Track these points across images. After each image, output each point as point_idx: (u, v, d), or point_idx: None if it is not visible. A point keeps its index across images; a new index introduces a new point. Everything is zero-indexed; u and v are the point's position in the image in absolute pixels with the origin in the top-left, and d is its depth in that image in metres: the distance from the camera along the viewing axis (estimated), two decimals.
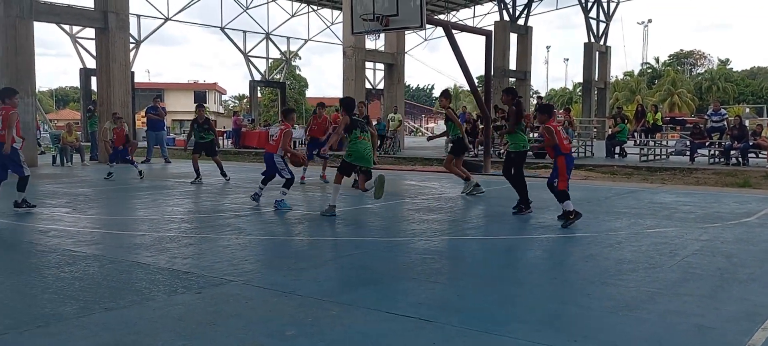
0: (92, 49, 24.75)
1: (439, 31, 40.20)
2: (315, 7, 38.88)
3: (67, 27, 26.91)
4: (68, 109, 70.83)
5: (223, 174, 13.11)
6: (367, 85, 28.65)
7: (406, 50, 29.90)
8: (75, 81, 66.62)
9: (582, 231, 7.37)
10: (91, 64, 25.82)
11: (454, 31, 15.13)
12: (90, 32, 24.13)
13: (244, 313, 4.13)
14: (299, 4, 38.18)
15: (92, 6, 19.83)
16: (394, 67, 27.27)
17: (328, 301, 4.42)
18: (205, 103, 69.25)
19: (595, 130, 26.19)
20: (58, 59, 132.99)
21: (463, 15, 41.89)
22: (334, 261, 5.86)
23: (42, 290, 4.59)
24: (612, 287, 4.86)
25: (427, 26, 14.10)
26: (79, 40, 28.05)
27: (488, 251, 6.58)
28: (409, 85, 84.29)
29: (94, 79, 24.85)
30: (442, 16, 37.37)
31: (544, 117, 8.20)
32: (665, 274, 5.23)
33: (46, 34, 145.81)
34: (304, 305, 4.33)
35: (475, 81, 16.08)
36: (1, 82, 17.10)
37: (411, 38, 37.87)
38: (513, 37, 32.16)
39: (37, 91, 22.06)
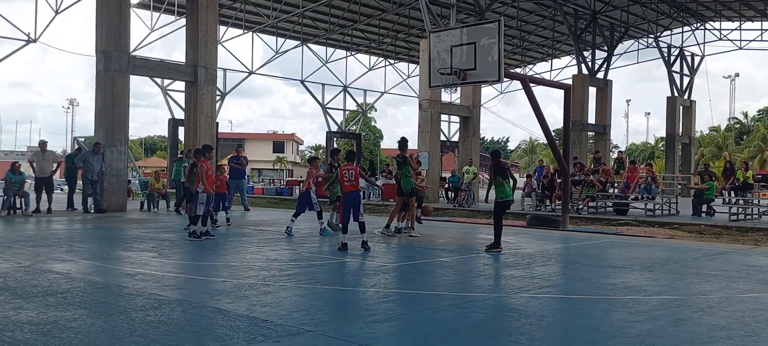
0: (181, 100, 26.09)
1: (516, 83, 40.10)
2: (392, 61, 39.65)
3: (158, 80, 28.50)
4: (156, 157, 74.39)
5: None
6: (442, 138, 28.73)
7: (481, 103, 29.90)
8: (163, 130, 70.21)
9: (670, 293, 7.03)
10: (179, 114, 27.15)
11: (531, 85, 15.04)
12: (179, 85, 25.48)
13: None
14: (377, 58, 39.05)
15: (183, 61, 20.96)
16: (470, 119, 27.28)
17: None
18: (283, 152, 71.29)
19: (679, 186, 25.16)
20: (148, 110, 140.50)
21: (540, 68, 41.71)
22: (408, 315, 5.81)
23: (129, 333, 4.76)
24: None
25: (505, 80, 14.06)
26: (169, 92, 29.59)
27: (569, 311, 6.35)
28: (483, 138, 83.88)
29: (181, 129, 26.11)
30: (518, 70, 37.31)
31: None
32: (763, 343, 4.90)
33: (137, 86, 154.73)
34: None
35: (553, 134, 15.84)
36: (98, 132, 18.25)
37: (487, 91, 37.91)
38: (592, 91, 31.63)
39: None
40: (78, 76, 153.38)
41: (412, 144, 22.29)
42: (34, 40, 23.40)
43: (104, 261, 8.64)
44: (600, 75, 32.10)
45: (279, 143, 74.55)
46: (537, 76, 35.01)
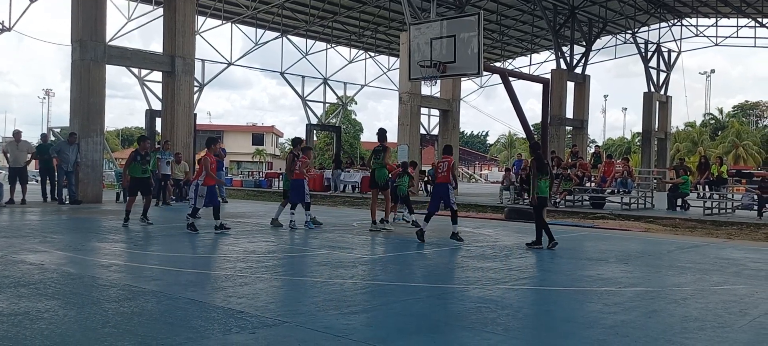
0: (158, 91, 25.79)
1: (495, 78, 40.31)
2: (372, 54, 39.58)
3: (135, 70, 28.13)
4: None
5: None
6: (422, 131, 28.76)
7: (461, 97, 29.98)
8: (140, 121, 69.25)
9: (644, 285, 7.10)
10: (156, 105, 26.84)
11: (510, 79, 15.09)
12: (157, 75, 25.18)
13: None
14: (357, 50, 38.96)
15: (160, 51, 20.70)
16: (449, 113, 27.33)
17: None
18: (263, 145, 70.87)
19: (655, 181, 25.47)
20: (126, 100, 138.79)
21: (519, 63, 41.91)
22: (386, 306, 5.80)
23: (102, 324, 4.70)
24: (677, 345, 4.64)
25: (484, 73, 14.10)
26: (146, 82, 29.23)
27: (546, 302, 6.40)
28: (463, 132, 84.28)
29: (158, 120, 25.82)
30: (498, 64, 37.47)
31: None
32: (735, 334, 4.97)
33: (114, 77, 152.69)
34: None
35: (531, 129, 15.92)
36: (73, 122, 17.97)
37: (466, 85, 38.03)
38: (570, 86, 31.88)
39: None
40: (54, 66, 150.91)
41: (392, 137, 22.38)
42: (9, 29, 22.99)
43: (78, 252, 8.51)
44: (578, 70, 32.37)
45: (258, 136, 74.07)
46: (516, 70, 35.19)
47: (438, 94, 28.66)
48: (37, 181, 24.76)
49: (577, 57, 32.41)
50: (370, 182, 12.76)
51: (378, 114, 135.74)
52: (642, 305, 6.06)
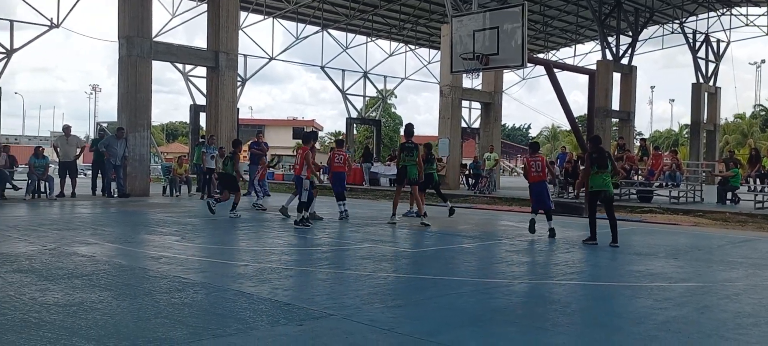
0: (202, 86, 26.22)
1: (538, 69, 39.79)
2: (412, 47, 39.47)
3: (180, 66, 28.65)
4: (177, 143, 74.98)
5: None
6: (463, 124, 28.58)
7: (503, 89, 29.66)
8: (184, 116, 70.59)
9: (695, 280, 6.93)
10: (200, 100, 27.30)
11: (555, 70, 14.87)
12: (201, 70, 25.60)
13: None
14: (397, 43, 38.91)
15: (204, 46, 21.03)
16: (491, 106, 27.08)
17: (427, 340, 4.36)
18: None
19: (704, 174, 24.79)
20: (170, 96, 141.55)
21: (563, 54, 41.25)
22: (431, 300, 5.79)
23: (155, 315, 4.80)
24: (731, 341, 4.52)
25: (528, 65, 13.92)
26: (190, 78, 29.75)
27: (594, 297, 6.29)
28: (505, 125, 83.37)
29: (202, 115, 26.26)
30: (541, 55, 36.95)
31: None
32: None
33: (159, 73, 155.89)
34: (404, 343, 4.30)
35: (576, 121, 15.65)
36: (121, 117, 18.40)
37: (508, 77, 37.56)
38: (616, 77, 31.20)
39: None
40: (101, 62, 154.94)
41: (433, 130, 22.32)
42: (57, 26, 23.61)
43: (128, 244, 8.72)
44: (624, 61, 31.64)
45: (299, 129, 74.65)
46: (560, 61, 34.60)
47: (479, 87, 28.44)
48: (85, 174, 25.54)
49: (624, 47, 31.67)
50: (398, 178, 12.70)
51: (418, 107, 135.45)
52: (693, 301, 5.90)
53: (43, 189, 16.62)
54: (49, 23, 23.45)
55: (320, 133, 79.65)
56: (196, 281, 6.21)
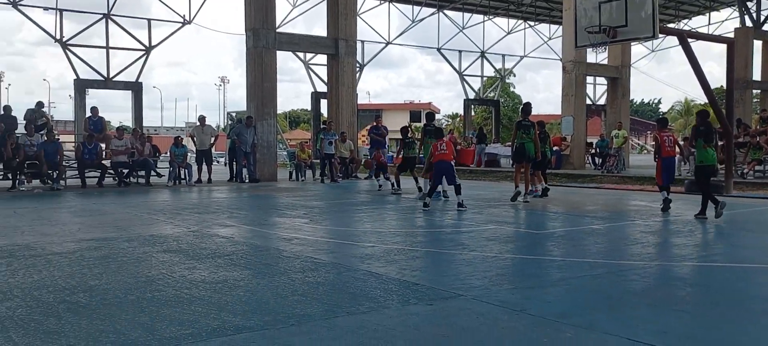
0: (322, 73, 26.97)
1: (669, 40, 37.35)
2: (531, 23, 38.35)
3: (301, 54, 29.60)
4: (300, 130, 77.75)
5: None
6: (588, 101, 27.47)
7: (631, 63, 28.17)
8: (305, 103, 73.16)
9: None
10: (321, 87, 28.10)
11: (689, 40, 13.89)
12: (320, 58, 26.33)
13: (477, 328, 4.12)
14: (515, 20, 37.96)
15: (324, 34, 21.59)
16: (618, 80, 25.83)
17: (561, 322, 4.24)
18: (420, 122, 71.72)
19: None
20: (291, 84, 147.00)
21: (696, 23, 38.48)
22: (563, 282, 5.63)
23: (291, 292, 5.02)
24: None
25: (659, 36, 13.11)
26: (311, 66, 30.67)
27: (737, 279, 5.85)
28: (633, 100, 79.21)
29: (323, 102, 27.02)
30: (672, 25, 34.66)
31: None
32: None
33: (280, 62, 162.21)
34: (537, 324, 4.21)
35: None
36: (250, 106, 19.34)
37: (636, 49, 35.55)
38: (757, 45, 28.67)
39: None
40: (228, 55, 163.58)
41: (554, 109, 21.58)
42: (189, 22, 25.11)
43: (262, 226, 9.18)
44: (766, 27, 29.00)
45: (416, 113, 75.01)
46: (694, 30, 32.29)
47: (605, 61, 27.21)
48: (217, 162, 27.11)
49: (765, 13, 29.03)
50: (517, 156, 12.56)
51: (538, 85, 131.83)
52: None
53: (182, 176, 17.84)
54: (181, 20, 25.00)
55: (437, 116, 79.67)
56: (326, 261, 6.43)
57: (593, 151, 25.07)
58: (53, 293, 4.94)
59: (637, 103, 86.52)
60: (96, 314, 4.33)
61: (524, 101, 12.70)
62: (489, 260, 6.53)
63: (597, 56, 28.14)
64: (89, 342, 3.73)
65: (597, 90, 31.13)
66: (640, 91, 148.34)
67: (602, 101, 30.03)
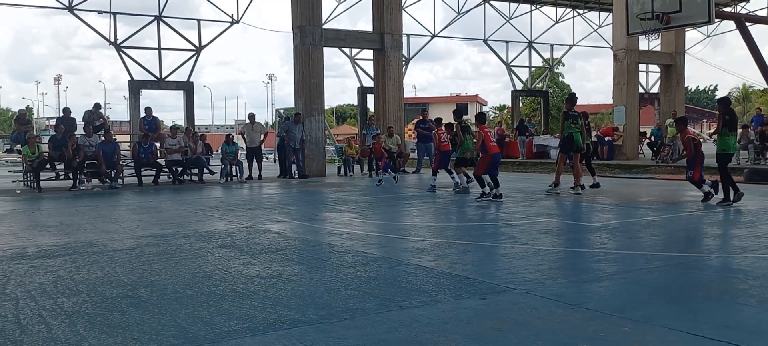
0: (368, 68, 27.03)
1: (725, 25, 36.00)
2: (580, 11, 37.56)
3: (346, 50, 29.73)
4: (346, 125, 78.23)
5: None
6: (640, 90, 26.78)
7: (685, 49, 27.33)
8: (351, 99, 73.53)
9: None
10: (366, 82, 28.18)
11: (747, 24, 13.40)
12: (366, 53, 26.39)
13: (532, 322, 4.08)
14: (564, 9, 37.24)
15: (370, 29, 21.64)
16: (672, 68, 25.10)
17: (618, 316, 4.17)
18: (466, 114, 71.28)
19: None
20: (337, 79, 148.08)
21: (754, 5, 37.02)
22: (619, 275, 5.53)
23: (344, 286, 5.07)
24: None
25: (715, 20, 12.70)
26: (356, 61, 30.78)
27: None
28: (687, 87, 76.87)
29: (369, 97, 27.10)
30: (729, 9, 33.47)
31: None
32: None
33: (326, 58, 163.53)
34: (593, 318, 4.15)
35: None
36: (297, 103, 19.55)
37: (691, 35, 34.41)
38: None
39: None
40: (274, 52, 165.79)
41: (605, 98, 21.11)
42: (237, 21, 25.49)
43: (313, 222, 9.30)
44: None
45: (462, 105, 74.49)
46: (752, 13, 31.10)
47: (658, 48, 26.48)
48: (267, 158, 27.49)
49: None
50: (566, 146, 12.40)
51: (588, 74, 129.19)
52: None
53: (234, 173, 18.18)
54: (230, 20, 25.41)
55: (484, 108, 78.98)
56: (377, 255, 6.46)
57: (648, 140, 24.45)
58: (116, 288, 5.11)
59: (692, 90, 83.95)
60: (157, 309, 4.47)
61: (572, 91, 12.53)
62: (541, 254, 6.46)
63: (649, 43, 27.34)
64: (152, 336, 3.85)
65: (650, 78, 30.30)
66: (695, 78, 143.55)
67: (655, 89, 29.23)
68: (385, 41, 20.86)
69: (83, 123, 17.16)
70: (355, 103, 33.72)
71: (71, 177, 15.80)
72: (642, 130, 25.57)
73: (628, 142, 23.21)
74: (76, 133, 16.77)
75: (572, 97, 13.10)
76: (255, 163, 18.78)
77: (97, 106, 18.77)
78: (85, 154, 15.76)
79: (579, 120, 12.34)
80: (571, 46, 39.38)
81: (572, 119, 12.27)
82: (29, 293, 4.95)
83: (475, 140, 12.52)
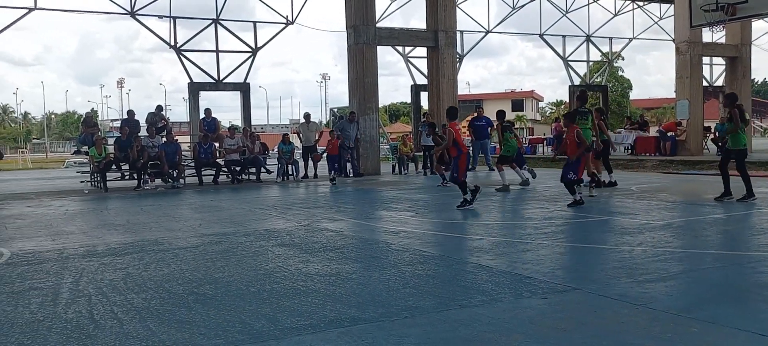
0: (421, 66, 26.99)
1: None
2: (640, 3, 36.54)
3: (400, 48, 29.73)
4: (400, 123, 78.31)
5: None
6: (704, 83, 25.86)
7: (752, 40, 26.25)
8: (404, 96, 73.50)
9: None
10: (420, 80, 28.14)
11: None
12: (419, 51, 26.36)
13: (595, 322, 4.02)
14: (623, 1, 36.30)
15: (423, 27, 21.59)
16: (738, 60, 24.15)
17: (685, 317, 4.06)
18: (522, 110, 70.32)
19: None
20: (390, 77, 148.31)
21: None
22: (684, 274, 5.37)
23: (402, 285, 5.10)
24: None
25: None
26: (410, 59, 30.76)
27: None
28: (755, 80, 73.85)
29: (423, 94, 27.06)
30: None
31: None
32: None
33: (379, 56, 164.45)
34: (658, 319, 4.04)
35: None
36: (352, 102, 19.69)
37: (757, 26, 33.02)
38: None
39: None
40: (327, 52, 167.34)
41: (666, 92, 20.45)
42: (292, 22, 25.84)
43: (369, 220, 9.36)
44: None
45: (518, 101, 73.55)
46: None
47: (722, 40, 25.53)
48: (322, 157, 27.74)
49: None
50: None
51: (648, 68, 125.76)
52: None
53: (290, 172, 18.46)
54: (284, 21, 25.78)
55: (541, 104, 77.78)
56: (435, 254, 6.46)
57: (713, 135, 23.59)
58: (182, 285, 5.28)
59: (759, 83, 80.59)
60: (222, 305, 4.59)
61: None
62: (604, 253, 6.34)
63: (713, 35, 26.38)
64: (218, 332, 3.96)
65: (714, 71, 29.25)
66: (762, 70, 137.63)
67: (720, 82, 28.20)
68: (439, 38, 20.79)
69: (146, 125, 17.71)
70: (408, 100, 33.72)
71: (136, 177, 16.35)
72: (706, 125, 24.68)
73: (691, 137, 22.45)
74: (139, 134, 17.33)
75: (583, 95, 13.37)
76: (310, 162, 19.01)
77: (159, 108, 19.34)
78: (148, 155, 16.27)
79: (589, 117, 12.20)
80: (630, 40, 38.38)
81: (581, 116, 12.02)
82: (101, 290, 5.16)
83: (471, 141, 12.71)
